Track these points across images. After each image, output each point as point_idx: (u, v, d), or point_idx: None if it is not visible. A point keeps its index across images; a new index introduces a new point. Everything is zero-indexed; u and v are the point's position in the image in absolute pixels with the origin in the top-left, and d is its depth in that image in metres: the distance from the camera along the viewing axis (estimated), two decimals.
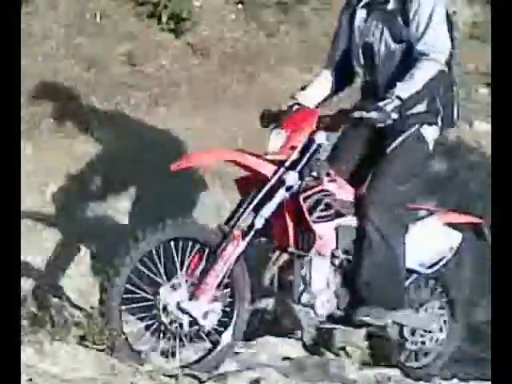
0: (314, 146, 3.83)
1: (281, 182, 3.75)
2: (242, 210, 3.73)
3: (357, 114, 3.78)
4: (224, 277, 3.67)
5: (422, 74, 3.79)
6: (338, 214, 3.92)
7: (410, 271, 4.19)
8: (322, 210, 3.85)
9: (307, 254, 3.84)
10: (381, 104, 3.75)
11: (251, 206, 3.71)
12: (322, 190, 3.87)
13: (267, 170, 3.77)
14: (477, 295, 5.20)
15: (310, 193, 3.82)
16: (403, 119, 3.90)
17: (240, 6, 6.99)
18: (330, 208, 3.89)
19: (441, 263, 4.27)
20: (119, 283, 3.51)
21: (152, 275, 3.62)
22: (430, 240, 4.21)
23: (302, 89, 4.16)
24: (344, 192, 3.99)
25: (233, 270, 3.72)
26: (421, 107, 3.96)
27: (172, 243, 3.63)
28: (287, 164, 3.78)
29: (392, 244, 3.93)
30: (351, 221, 3.97)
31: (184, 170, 3.72)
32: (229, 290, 3.75)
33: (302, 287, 3.89)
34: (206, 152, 4.00)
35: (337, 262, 3.97)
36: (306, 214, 3.79)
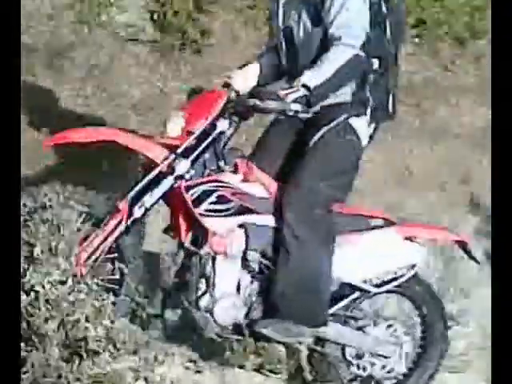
0: (214, 134, 3.50)
1: (172, 169, 3.45)
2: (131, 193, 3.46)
3: (250, 102, 3.44)
4: (101, 253, 3.39)
5: (333, 61, 3.39)
6: (245, 211, 3.52)
7: (353, 287, 3.66)
8: (213, 203, 3.47)
9: (199, 251, 3.50)
10: (282, 93, 3.38)
11: (133, 193, 3.44)
12: (215, 181, 3.49)
13: (156, 154, 3.46)
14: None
15: (196, 182, 3.46)
16: (327, 110, 3.55)
17: (416, 39, 7.19)
18: (228, 202, 3.50)
19: (395, 282, 3.69)
20: None
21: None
22: (382, 255, 3.67)
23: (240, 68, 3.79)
24: (257, 187, 3.57)
25: (122, 250, 3.51)
26: (345, 96, 3.55)
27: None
28: (180, 150, 3.46)
29: (311, 251, 3.46)
30: (268, 220, 3.53)
31: (59, 146, 3.50)
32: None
33: (203, 289, 3.52)
34: (82, 129, 3.56)
35: (253, 265, 3.55)
36: (190, 205, 3.44)
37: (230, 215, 3.50)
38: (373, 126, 3.65)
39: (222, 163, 3.53)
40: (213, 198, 3.47)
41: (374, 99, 3.58)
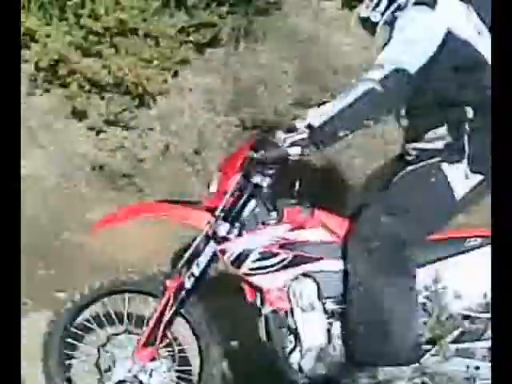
0: (249, 189, 3.31)
1: (213, 233, 3.33)
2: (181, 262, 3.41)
3: (249, 154, 3.26)
4: (158, 333, 3.35)
5: (345, 96, 3.13)
6: (303, 260, 3.30)
7: (462, 316, 3.33)
8: (256, 260, 3.29)
9: (262, 309, 3.35)
10: (283, 137, 3.17)
11: (183, 261, 3.38)
12: (251, 238, 3.31)
13: (198, 220, 3.37)
14: None
15: (231, 243, 3.31)
16: (418, 153, 3.33)
17: None
18: (274, 256, 3.29)
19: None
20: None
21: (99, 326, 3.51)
22: (484, 275, 3.14)
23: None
24: (317, 232, 3.34)
25: (195, 325, 3.43)
26: (437, 144, 3.28)
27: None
28: (217, 212, 3.32)
29: (373, 290, 3.21)
30: (340, 264, 3.30)
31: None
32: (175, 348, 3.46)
33: (292, 344, 3.35)
34: (125, 209, 3.67)
35: (337, 311, 3.33)
36: (230, 267, 3.33)
37: (281, 269, 3.30)
38: (477, 178, 3.28)
39: (274, 214, 3.36)
40: (255, 256, 3.30)
41: (473, 149, 3.24)
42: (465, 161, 3.25)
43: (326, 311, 3.33)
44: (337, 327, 3.34)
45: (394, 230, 3.23)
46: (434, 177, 3.27)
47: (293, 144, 3.14)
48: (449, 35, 3.13)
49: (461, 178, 3.26)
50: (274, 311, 3.33)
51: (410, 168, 3.32)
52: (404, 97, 3.17)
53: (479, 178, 3.27)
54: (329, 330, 3.34)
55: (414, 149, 3.37)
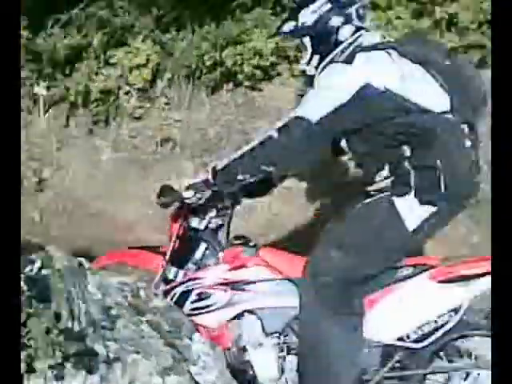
0: (190, 232, 3.45)
1: (164, 276, 3.48)
2: None
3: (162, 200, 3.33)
4: None
5: (248, 146, 3.25)
6: (244, 299, 3.39)
7: (395, 347, 3.35)
8: (195, 301, 3.41)
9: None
10: (192, 183, 3.32)
11: None
12: (192, 279, 3.42)
13: (154, 264, 3.51)
14: None
15: (172, 285, 3.44)
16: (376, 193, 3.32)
17: None
18: (211, 296, 3.40)
19: (440, 332, 3.29)
20: None
21: None
22: (414, 306, 3.33)
23: None
24: (257, 270, 3.41)
25: None
26: (386, 181, 3.27)
27: None
28: (167, 257, 3.46)
29: (320, 327, 3.24)
30: (283, 300, 3.38)
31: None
32: None
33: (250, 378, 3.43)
34: (105, 256, 3.73)
35: (293, 347, 3.39)
36: (174, 308, 3.33)
37: (221, 308, 3.42)
38: (428, 209, 3.23)
39: (221, 255, 3.49)
40: (193, 297, 3.43)
41: (419, 181, 3.21)
42: (412, 192, 3.21)
43: (277, 345, 3.40)
44: (289, 361, 3.41)
45: (344, 265, 3.26)
46: (386, 210, 3.25)
47: (188, 188, 3.31)
48: (366, 87, 3.12)
49: (410, 210, 3.23)
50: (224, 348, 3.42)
51: (364, 202, 3.33)
52: (304, 143, 3.17)
53: (431, 209, 3.23)
54: (282, 364, 3.41)
55: (372, 190, 3.37)
